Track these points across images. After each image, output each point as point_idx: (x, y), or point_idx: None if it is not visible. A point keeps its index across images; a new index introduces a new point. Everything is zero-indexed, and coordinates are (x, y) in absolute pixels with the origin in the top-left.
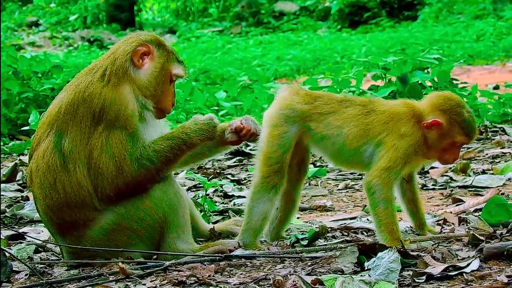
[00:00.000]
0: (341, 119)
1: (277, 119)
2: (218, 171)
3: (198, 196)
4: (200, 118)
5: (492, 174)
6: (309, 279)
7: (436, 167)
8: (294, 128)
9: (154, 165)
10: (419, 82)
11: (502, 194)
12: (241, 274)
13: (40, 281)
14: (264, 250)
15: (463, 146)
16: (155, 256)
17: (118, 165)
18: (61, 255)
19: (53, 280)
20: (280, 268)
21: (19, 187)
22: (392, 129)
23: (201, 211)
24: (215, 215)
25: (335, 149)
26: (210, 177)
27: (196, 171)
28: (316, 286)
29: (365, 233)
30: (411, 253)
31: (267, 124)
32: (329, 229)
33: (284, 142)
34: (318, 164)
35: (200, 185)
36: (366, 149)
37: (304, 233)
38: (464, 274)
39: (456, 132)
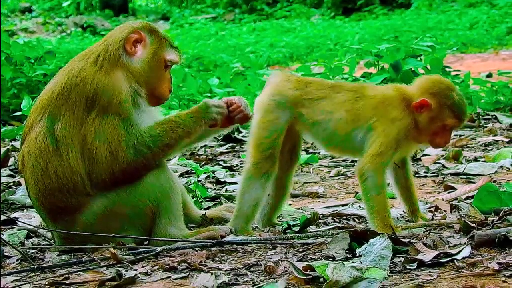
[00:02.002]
0: (332, 104)
1: (268, 105)
2: (210, 157)
3: (190, 182)
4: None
5: (484, 161)
6: (300, 265)
7: (428, 154)
8: (286, 114)
9: (151, 151)
10: (412, 69)
11: (494, 181)
12: (232, 260)
13: (32, 266)
14: (255, 236)
15: (455, 133)
16: (146, 242)
17: (112, 151)
18: (52, 240)
19: (45, 265)
20: (272, 254)
21: (11, 173)
22: (382, 114)
23: (193, 197)
24: (207, 201)
25: (326, 135)
26: (202, 163)
27: (188, 157)
28: (307, 272)
29: (356, 220)
30: (403, 240)
31: (258, 110)
32: (321, 215)
33: (276, 128)
34: (310, 151)
35: (192, 171)
36: (357, 134)
37: (296, 219)
38: (455, 261)
39: (446, 115)
